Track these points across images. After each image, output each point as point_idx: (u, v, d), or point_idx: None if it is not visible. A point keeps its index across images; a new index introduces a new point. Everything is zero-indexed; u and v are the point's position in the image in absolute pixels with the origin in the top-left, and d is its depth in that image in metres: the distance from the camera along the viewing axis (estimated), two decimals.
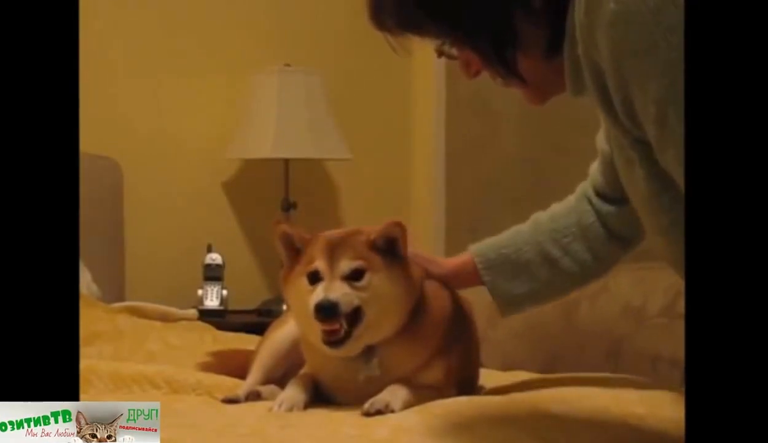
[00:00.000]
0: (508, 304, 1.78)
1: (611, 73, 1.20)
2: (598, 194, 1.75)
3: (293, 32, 3.97)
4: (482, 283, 1.77)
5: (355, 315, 1.60)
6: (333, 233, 1.68)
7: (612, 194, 1.71)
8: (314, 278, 1.62)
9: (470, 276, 1.78)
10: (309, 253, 1.65)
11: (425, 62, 3.98)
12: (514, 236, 1.79)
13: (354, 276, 1.61)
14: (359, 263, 1.61)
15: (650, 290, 2.39)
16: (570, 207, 1.78)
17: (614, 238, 1.74)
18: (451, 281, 1.77)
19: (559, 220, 1.77)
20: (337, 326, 1.58)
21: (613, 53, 1.18)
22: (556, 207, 1.81)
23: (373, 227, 1.66)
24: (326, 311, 1.57)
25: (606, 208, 1.73)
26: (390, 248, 1.64)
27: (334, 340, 1.59)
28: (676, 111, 1.14)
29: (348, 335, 1.59)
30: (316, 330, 1.61)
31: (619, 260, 1.79)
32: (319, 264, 1.62)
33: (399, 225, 1.65)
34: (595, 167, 1.76)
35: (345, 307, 1.58)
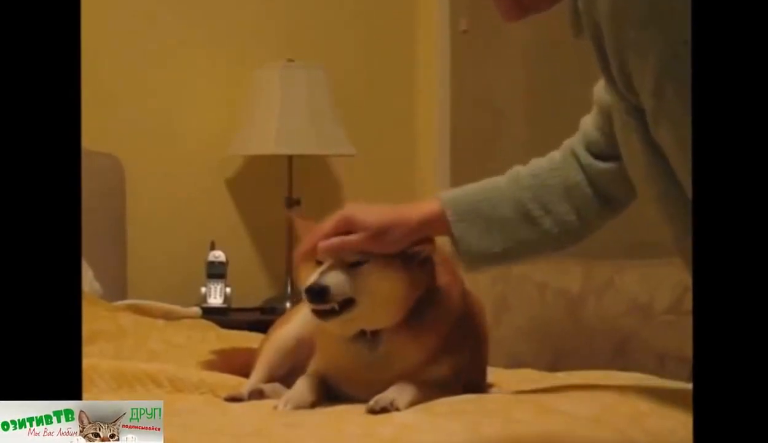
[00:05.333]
0: (475, 261, 1.67)
1: (610, 38, 1.16)
2: (591, 151, 1.65)
3: (296, 27, 3.96)
4: (449, 234, 1.66)
5: (348, 302, 1.60)
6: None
7: (608, 150, 1.62)
8: (319, 261, 1.62)
9: (438, 228, 1.65)
10: None
11: (429, 57, 3.98)
12: (490, 189, 1.69)
13: (354, 263, 1.60)
14: (360, 254, 1.61)
15: (657, 287, 2.39)
16: (554, 164, 1.69)
17: (602, 198, 1.65)
18: (415, 236, 1.64)
19: (541, 176, 1.67)
20: (327, 308, 1.59)
21: (613, 18, 1.14)
22: (539, 162, 1.70)
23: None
24: (315, 295, 1.57)
25: (598, 166, 1.64)
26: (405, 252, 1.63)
27: (322, 311, 1.59)
28: (675, 86, 1.11)
29: (338, 313, 1.59)
30: None
31: (605, 223, 1.69)
32: None
33: (430, 242, 1.64)
34: (588, 122, 1.67)
35: (336, 294, 1.58)
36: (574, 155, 1.68)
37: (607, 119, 1.59)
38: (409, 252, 1.63)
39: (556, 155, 1.70)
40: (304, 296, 1.59)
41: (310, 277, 1.60)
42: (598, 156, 1.64)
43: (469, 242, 1.66)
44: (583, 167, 1.66)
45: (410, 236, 1.63)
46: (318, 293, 1.57)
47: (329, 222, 1.63)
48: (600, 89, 1.61)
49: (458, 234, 1.65)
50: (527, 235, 1.66)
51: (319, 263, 1.63)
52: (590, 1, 1.18)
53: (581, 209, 1.66)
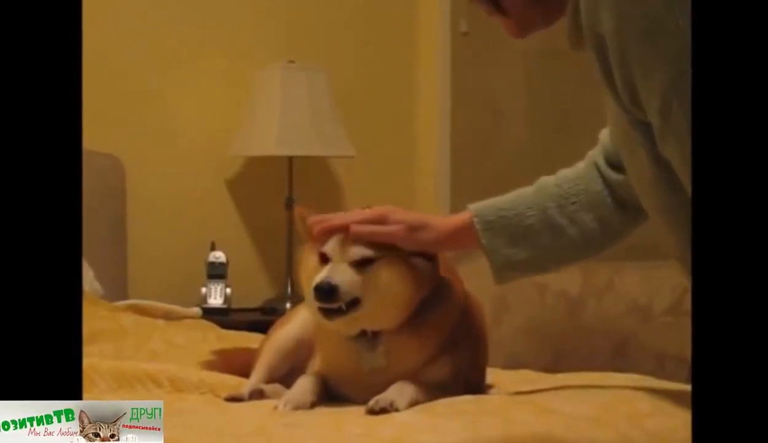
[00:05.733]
0: (504, 270, 1.69)
1: (614, 52, 1.15)
2: (608, 162, 1.67)
3: (296, 29, 3.96)
4: (480, 246, 1.68)
5: (354, 302, 1.60)
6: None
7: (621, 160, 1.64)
8: (324, 258, 1.62)
9: (468, 238, 1.68)
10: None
11: (429, 58, 3.98)
12: (517, 198, 1.70)
13: (362, 263, 1.60)
14: (370, 251, 1.61)
15: (656, 288, 2.40)
16: (578, 173, 1.71)
17: (623, 208, 1.67)
18: (446, 244, 1.68)
19: (565, 185, 1.70)
20: (335, 307, 1.59)
21: (617, 32, 1.13)
22: (564, 172, 1.73)
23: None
24: (324, 293, 1.57)
25: (615, 176, 1.66)
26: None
27: (329, 309, 1.59)
28: (681, 104, 1.10)
29: (344, 312, 1.59)
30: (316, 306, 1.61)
31: (627, 233, 1.71)
32: (330, 245, 1.62)
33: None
34: (605, 133, 1.69)
35: (345, 294, 1.58)
36: (596, 165, 1.70)
37: None
38: (414, 253, 1.63)
39: (580, 165, 1.73)
40: (312, 294, 1.58)
41: (317, 274, 1.60)
42: (615, 167, 1.66)
43: (497, 250, 1.67)
44: (603, 176, 1.68)
45: (441, 240, 1.66)
46: (327, 292, 1.57)
47: (364, 212, 1.64)
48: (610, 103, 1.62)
49: (486, 242, 1.67)
50: (552, 242, 1.68)
51: (323, 260, 1.62)
52: (594, 16, 1.17)
53: (603, 217, 1.68)
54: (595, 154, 1.71)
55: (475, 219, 1.68)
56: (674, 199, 1.33)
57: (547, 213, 1.68)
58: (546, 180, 1.72)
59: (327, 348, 1.71)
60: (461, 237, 1.69)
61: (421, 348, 1.66)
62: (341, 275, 1.58)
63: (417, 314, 1.64)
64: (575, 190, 1.69)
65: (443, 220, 1.70)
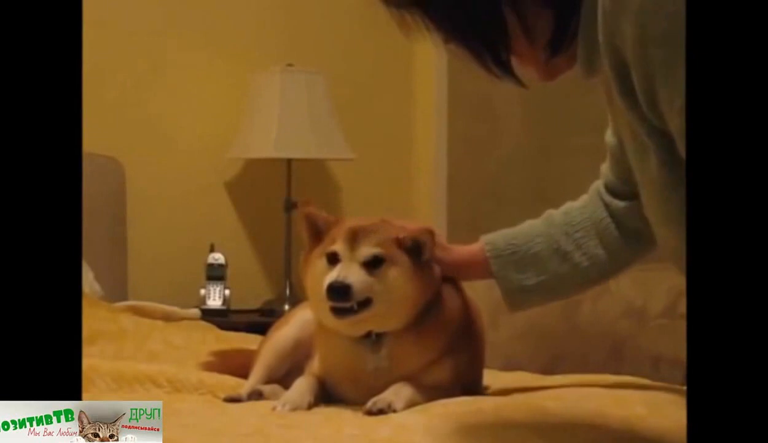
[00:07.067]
0: (516, 296, 1.74)
1: (635, 62, 1.18)
2: (609, 190, 1.72)
3: (296, 32, 3.97)
4: (492, 276, 1.74)
5: (366, 302, 1.61)
6: (359, 220, 1.70)
7: (621, 188, 1.69)
8: (333, 259, 1.63)
9: (480, 267, 1.75)
10: (332, 235, 1.66)
11: (427, 62, 3.98)
12: (526, 228, 1.77)
13: (372, 263, 1.61)
14: (379, 251, 1.62)
15: (652, 291, 2.40)
16: (583, 204, 1.76)
17: (627, 235, 1.71)
18: (460, 271, 1.75)
19: (572, 214, 1.75)
20: (348, 306, 1.60)
21: (638, 41, 1.15)
22: (570, 204, 1.78)
23: (403, 224, 1.70)
24: (338, 292, 1.58)
25: (615, 203, 1.70)
26: (415, 250, 1.65)
27: (341, 309, 1.60)
28: None
29: (355, 312, 1.60)
30: (327, 310, 1.62)
31: (635, 260, 1.75)
32: (340, 246, 1.63)
33: (430, 233, 1.66)
34: (605, 166, 1.73)
35: (358, 292, 1.59)
36: (599, 194, 1.75)
37: (616, 161, 1.66)
38: (417, 252, 1.65)
39: (585, 196, 1.78)
40: (324, 293, 1.59)
41: (328, 274, 1.61)
42: (616, 196, 1.71)
43: (506, 276, 1.73)
44: (606, 205, 1.73)
45: (455, 266, 1.74)
46: (340, 291, 1.58)
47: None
48: (609, 135, 1.66)
49: (496, 269, 1.74)
50: (559, 268, 1.73)
51: (332, 260, 1.63)
52: (614, 31, 1.19)
53: (609, 244, 1.73)
54: (598, 184, 1.76)
55: (486, 247, 1.74)
56: (680, 201, 1.34)
57: (554, 240, 1.74)
58: (553, 211, 1.79)
59: (329, 349, 1.72)
60: (473, 267, 1.75)
61: (423, 351, 1.67)
62: (354, 274, 1.59)
63: (420, 317, 1.66)
64: (580, 218, 1.74)
65: (458, 248, 1.77)
